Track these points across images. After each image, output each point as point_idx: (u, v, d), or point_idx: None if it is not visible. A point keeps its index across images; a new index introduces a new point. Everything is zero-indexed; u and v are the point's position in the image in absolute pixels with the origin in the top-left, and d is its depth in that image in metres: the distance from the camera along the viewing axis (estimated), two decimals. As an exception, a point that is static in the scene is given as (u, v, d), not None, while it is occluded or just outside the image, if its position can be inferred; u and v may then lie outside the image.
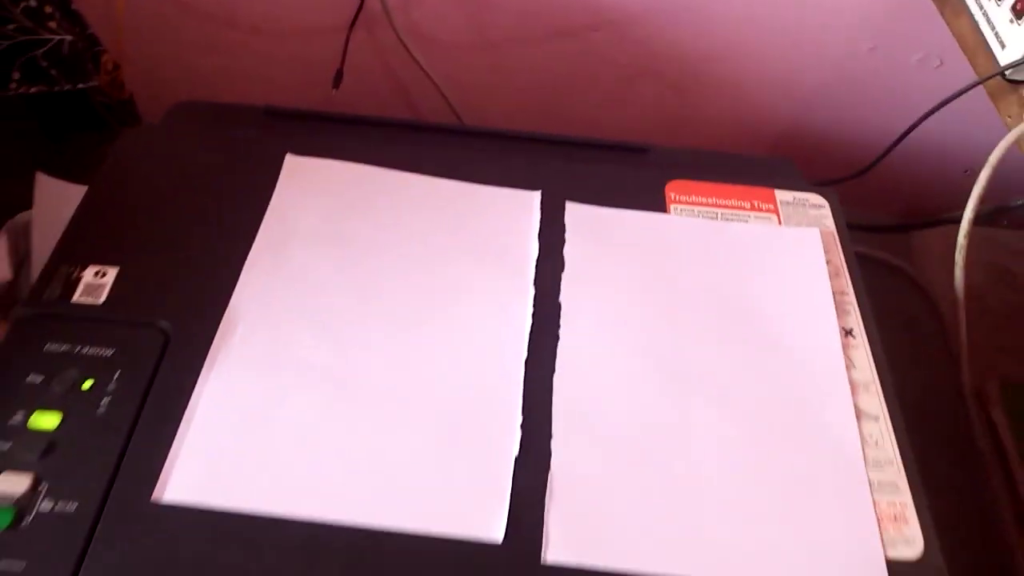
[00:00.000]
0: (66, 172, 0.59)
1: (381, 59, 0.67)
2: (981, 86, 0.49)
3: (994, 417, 0.60)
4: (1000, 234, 0.68)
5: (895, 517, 0.35)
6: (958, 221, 0.51)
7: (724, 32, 0.64)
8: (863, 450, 0.37)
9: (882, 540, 0.34)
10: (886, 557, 0.33)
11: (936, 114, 0.58)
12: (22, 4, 0.47)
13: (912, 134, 0.61)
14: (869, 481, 0.36)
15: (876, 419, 0.38)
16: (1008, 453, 0.56)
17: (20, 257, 0.54)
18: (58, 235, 0.42)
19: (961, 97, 0.52)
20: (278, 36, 0.66)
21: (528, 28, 0.64)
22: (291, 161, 0.45)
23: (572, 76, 0.67)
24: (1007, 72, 0.47)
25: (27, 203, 0.56)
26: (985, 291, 0.66)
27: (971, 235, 0.67)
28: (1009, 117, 0.48)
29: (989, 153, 0.48)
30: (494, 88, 0.68)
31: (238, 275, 0.40)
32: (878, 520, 0.35)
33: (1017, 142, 0.47)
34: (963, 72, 0.51)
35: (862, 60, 0.65)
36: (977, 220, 0.49)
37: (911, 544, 0.34)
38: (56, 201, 0.57)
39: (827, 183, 0.51)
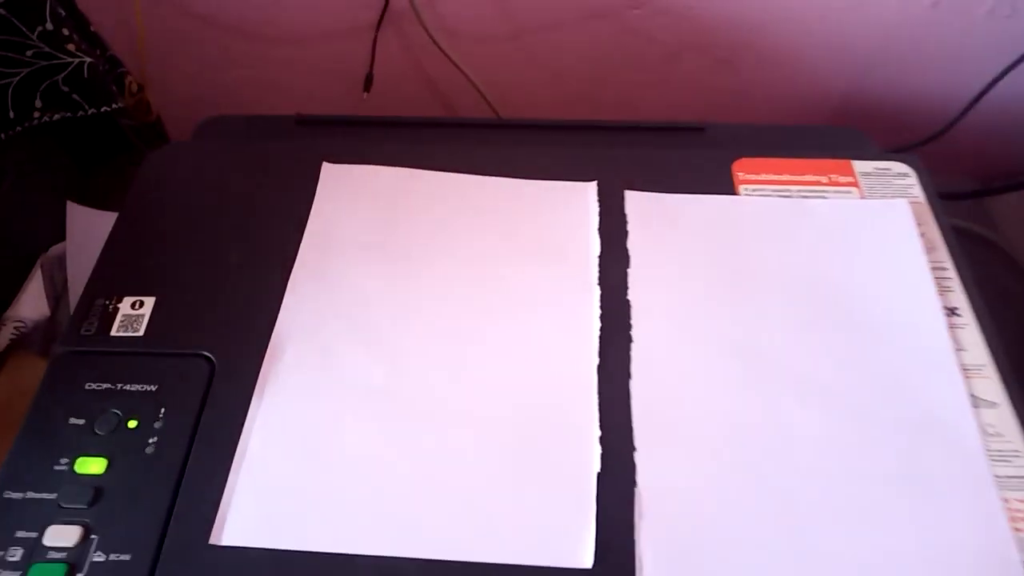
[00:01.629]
0: (100, 200, 0.57)
1: (411, 58, 0.64)
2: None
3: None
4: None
5: (1031, 517, 0.31)
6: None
7: (774, -2, 0.60)
8: (984, 442, 0.33)
9: (1016, 543, 0.30)
10: (1025, 563, 0.30)
11: (1014, 68, 0.54)
12: (38, 28, 0.45)
13: (988, 92, 0.57)
14: (995, 476, 0.32)
15: (995, 406, 0.34)
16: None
17: (58, 290, 0.52)
18: (93, 264, 0.40)
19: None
20: (302, 43, 0.63)
21: (560, 12, 0.61)
22: (328, 170, 0.43)
23: (610, 59, 0.63)
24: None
25: (61, 235, 0.55)
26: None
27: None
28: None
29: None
30: (530, 78, 0.65)
31: (282, 296, 0.38)
32: (1010, 520, 0.31)
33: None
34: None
35: (924, 16, 0.60)
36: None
37: (1053, 547, 0.30)
38: (89, 230, 0.55)
39: (898, 151, 0.47)
